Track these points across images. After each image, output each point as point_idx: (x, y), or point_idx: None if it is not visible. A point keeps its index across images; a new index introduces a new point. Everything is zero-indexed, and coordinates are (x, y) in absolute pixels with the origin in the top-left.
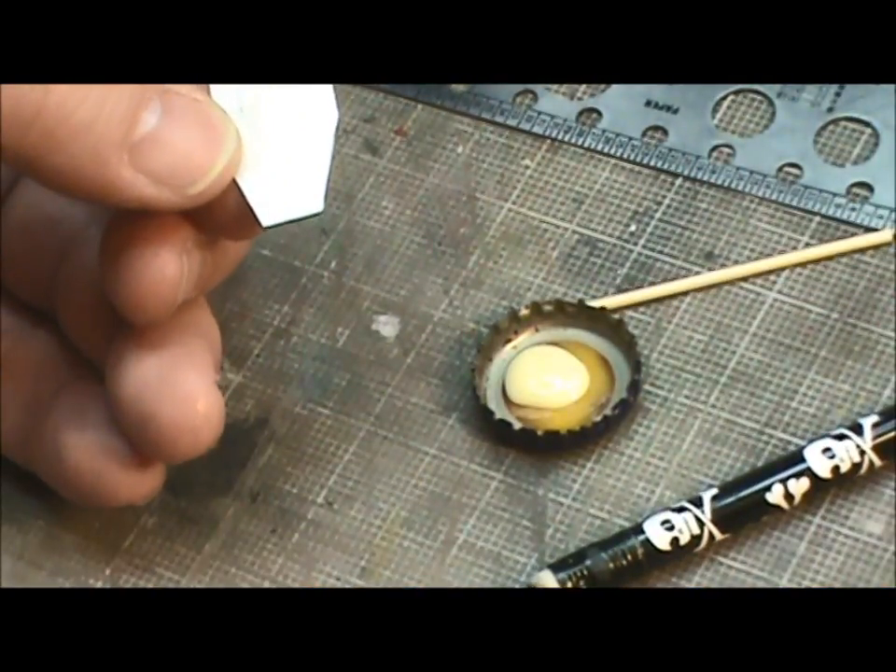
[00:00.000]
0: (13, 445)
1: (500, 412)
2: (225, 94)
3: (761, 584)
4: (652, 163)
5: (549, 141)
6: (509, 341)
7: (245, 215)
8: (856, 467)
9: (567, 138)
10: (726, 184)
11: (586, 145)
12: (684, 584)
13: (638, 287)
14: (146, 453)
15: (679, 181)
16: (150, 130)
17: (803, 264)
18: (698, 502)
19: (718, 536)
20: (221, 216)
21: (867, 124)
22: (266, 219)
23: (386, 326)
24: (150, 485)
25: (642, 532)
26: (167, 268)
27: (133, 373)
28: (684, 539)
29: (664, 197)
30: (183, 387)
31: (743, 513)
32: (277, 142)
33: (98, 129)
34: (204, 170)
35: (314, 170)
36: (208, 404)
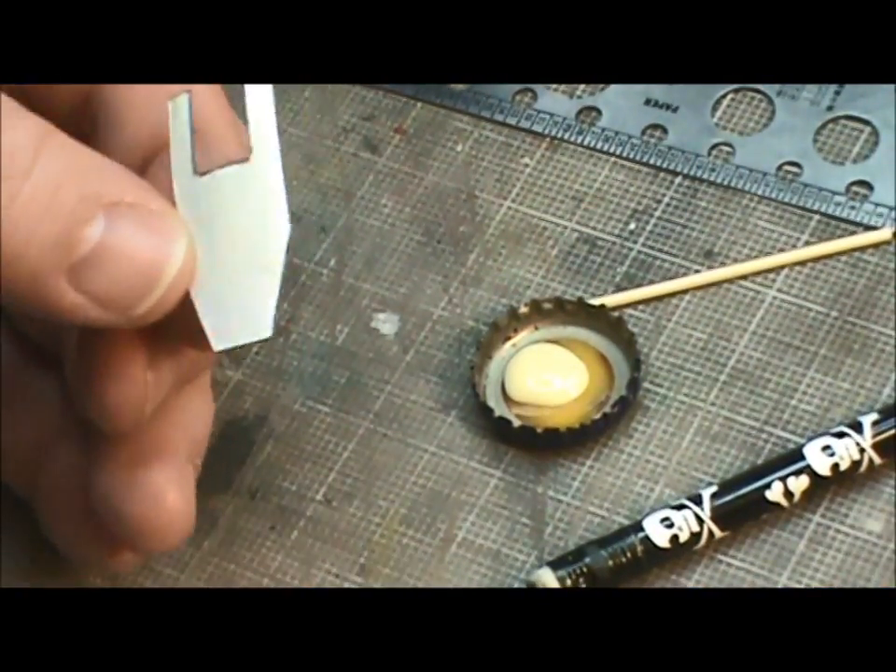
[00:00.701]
0: (15, 477)
1: (500, 409)
2: (186, 202)
3: (760, 582)
4: (652, 162)
5: (548, 139)
6: (508, 339)
7: (202, 331)
8: (855, 465)
9: (566, 136)
10: (726, 182)
11: (586, 143)
12: (684, 582)
13: (638, 286)
14: (122, 544)
15: (678, 179)
16: (91, 248)
17: (802, 262)
18: (698, 500)
19: (717, 533)
20: (180, 330)
21: (867, 123)
22: (218, 343)
23: (386, 323)
24: (133, 563)
25: (642, 530)
26: (128, 388)
27: (103, 469)
28: (684, 537)
29: (663, 195)
30: (151, 484)
31: (742, 511)
32: (231, 258)
33: (32, 254)
34: (148, 290)
35: (264, 292)
36: (177, 500)
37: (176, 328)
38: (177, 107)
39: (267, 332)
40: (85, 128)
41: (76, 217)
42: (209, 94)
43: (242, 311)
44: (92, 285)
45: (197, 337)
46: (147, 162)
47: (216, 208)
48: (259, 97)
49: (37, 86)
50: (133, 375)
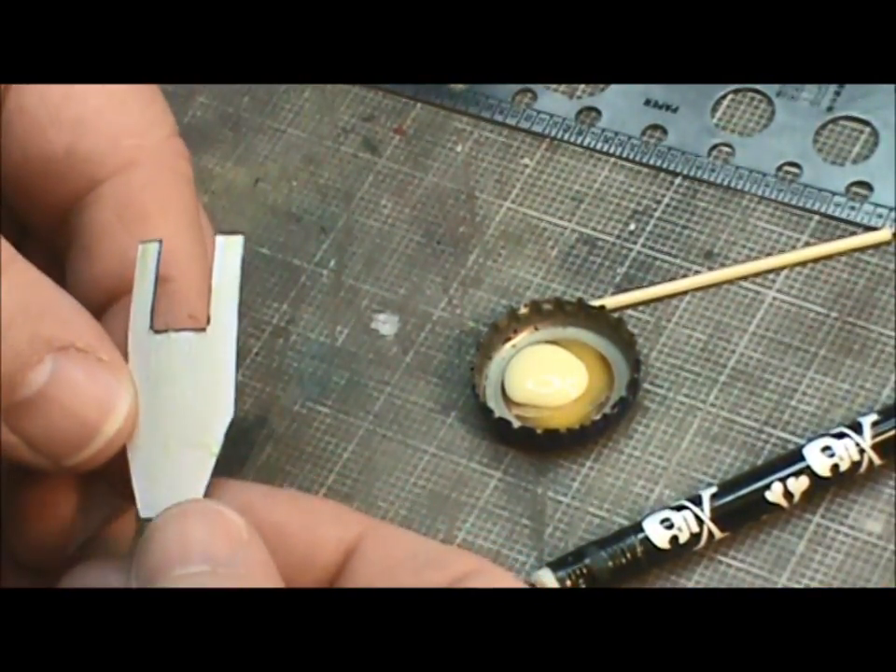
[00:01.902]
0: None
1: (499, 410)
2: (137, 356)
3: (760, 583)
4: (652, 162)
5: (548, 140)
6: (508, 339)
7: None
8: (855, 465)
9: (566, 137)
10: (726, 183)
11: (585, 143)
12: (683, 583)
13: (638, 286)
14: None
15: (678, 180)
16: (33, 392)
17: (802, 263)
18: (697, 501)
19: (717, 534)
20: (114, 479)
21: (866, 123)
22: (144, 510)
23: (385, 324)
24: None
25: (641, 530)
26: (52, 528)
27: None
28: (683, 538)
29: (663, 196)
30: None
31: (742, 512)
32: (172, 426)
33: None
34: (84, 443)
35: (197, 470)
36: None
37: (111, 476)
38: (145, 255)
39: None
40: (59, 246)
41: (22, 359)
42: (187, 239)
43: (173, 484)
44: (29, 429)
45: (130, 491)
46: (111, 300)
47: (165, 370)
48: (229, 252)
49: (19, 199)
50: (60, 517)
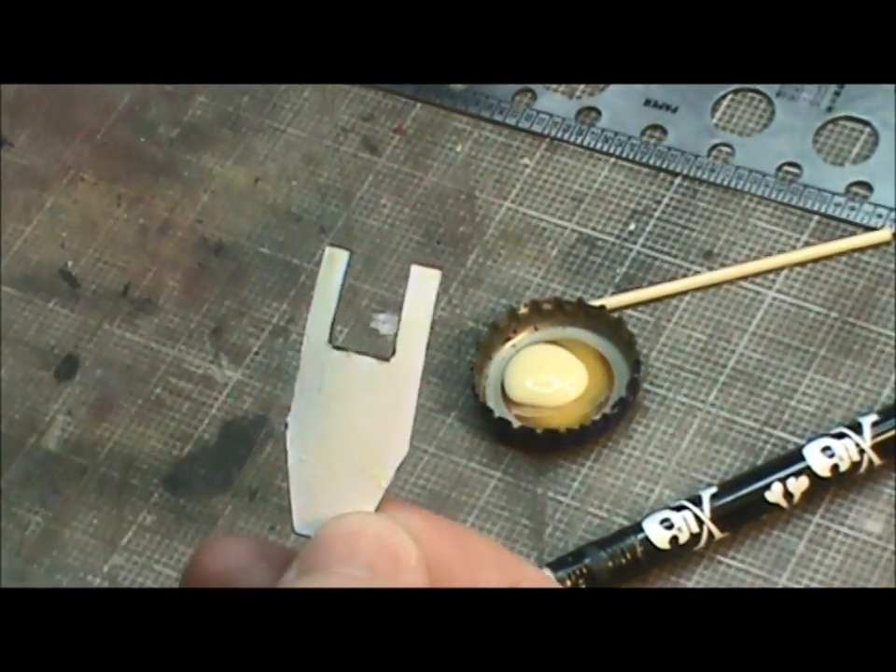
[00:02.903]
0: None
1: (499, 410)
2: (311, 368)
3: (760, 583)
4: (652, 162)
5: (548, 140)
6: (508, 339)
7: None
8: (855, 465)
9: (566, 137)
10: (725, 183)
11: (585, 143)
12: (683, 583)
13: (638, 286)
14: None
15: (678, 180)
16: None
17: (802, 263)
18: (697, 501)
19: (717, 534)
20: None
21: (866, 123)
22: (299, 526)
23: (385, 324)
24: None
25: (641, 531)
26: None
27: None
28: (683, 538)
29: (663, 196)
30: None
31: (742, 512)
32: (340, 448)
33: None
34: None
35: (362, 500)
36: None
37: None
38: (333, 261)
39: None
40: None
41: None
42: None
43: (335, 505)
44: None
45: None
46: None
47: (339, 390)
48: (425, 284)
49: None
50: None
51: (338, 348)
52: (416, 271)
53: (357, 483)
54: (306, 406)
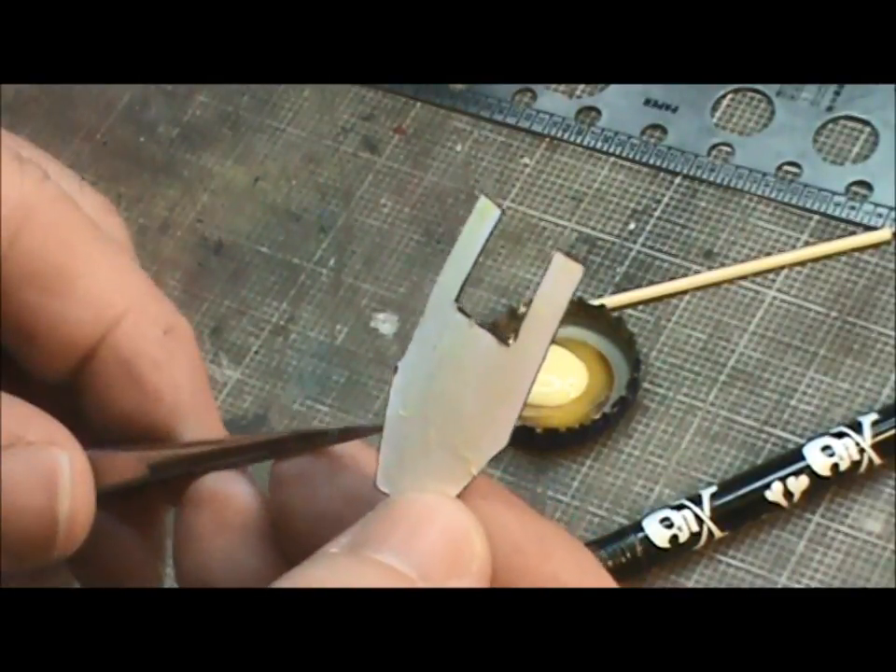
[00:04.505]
0: None
1: None
2: (431, 324)
3: (760, 582)
4: (651, 162)
5: (548, 139)
6: (508, 339)
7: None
8: (855, 465)
9: (565, 136)
10: (725, 182)
11: (585, 143)
12: (683, 582)
13: (637, 286)
14: None
15: (678, 179)
16: None
17: (802, 263)
18: (697, 500)
19: (717, 534)
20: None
21: (866, 123)
22: (382, 484)
23: (385, 323)
24: None
25: (641, 530)
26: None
27: None
28: (683, 537)
29: (663, 195)
30: None
31: (742, 511)
32: (439, 420)
33: None
34: (47, 532)
35: (450, 478)
36: None
37: None
38: (484, 214)
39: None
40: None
41: None
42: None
43: (417, 475)
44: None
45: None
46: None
47: (453, 357)
48: (564, 277)
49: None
50: None
51: (462, 311)
52: (559, 260)
53: (447, 461)
54: (418, 359)
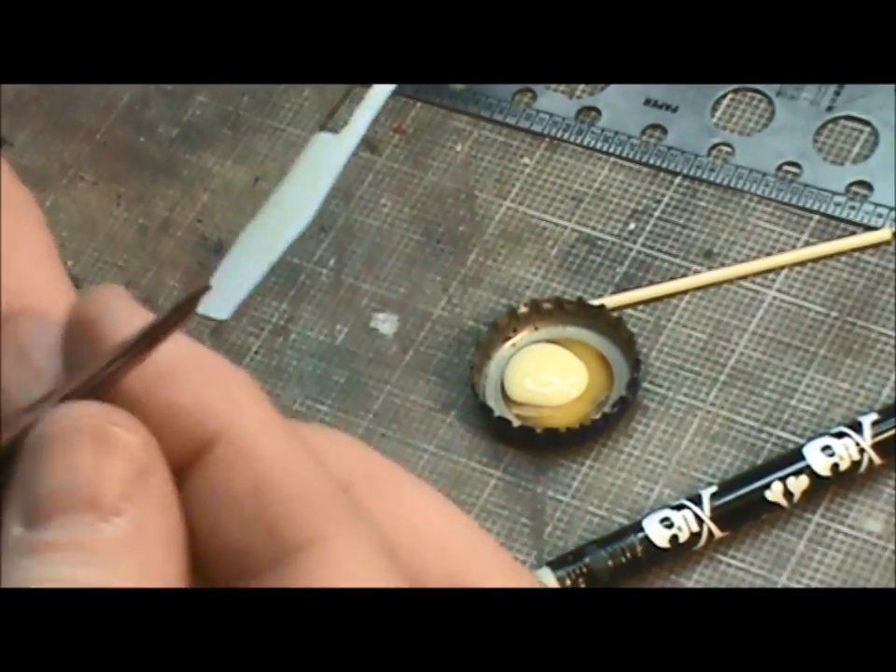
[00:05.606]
0: None
1: (499, 409)
2: None
3: (760, 582)
4: (651, 162)
5: (548, 139)
6: (508, 339)
7: None
8: (855, 465)
9: (565, 136)
10: (725, 182)
11: (585, 143)
12: (683, 582)
13: (637, 286)
14: None
15: (678, 179)
16: None
17: (802, 263)
18: (697, 500)
19: (717, 533)
20: None
21: (866, 123)
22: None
23: (385, 323)
24: None
25: (641, 530)
26: None
27: None
28: (683, 537)
29: (663, 195)
30: None
31: (742, 511)
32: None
33: None
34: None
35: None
36: None
37: None
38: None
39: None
40: None
41: None
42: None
43: None
44: None
45: None
46: None
47: None
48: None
49: None
50: None
51: None
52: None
53: None
54: None
